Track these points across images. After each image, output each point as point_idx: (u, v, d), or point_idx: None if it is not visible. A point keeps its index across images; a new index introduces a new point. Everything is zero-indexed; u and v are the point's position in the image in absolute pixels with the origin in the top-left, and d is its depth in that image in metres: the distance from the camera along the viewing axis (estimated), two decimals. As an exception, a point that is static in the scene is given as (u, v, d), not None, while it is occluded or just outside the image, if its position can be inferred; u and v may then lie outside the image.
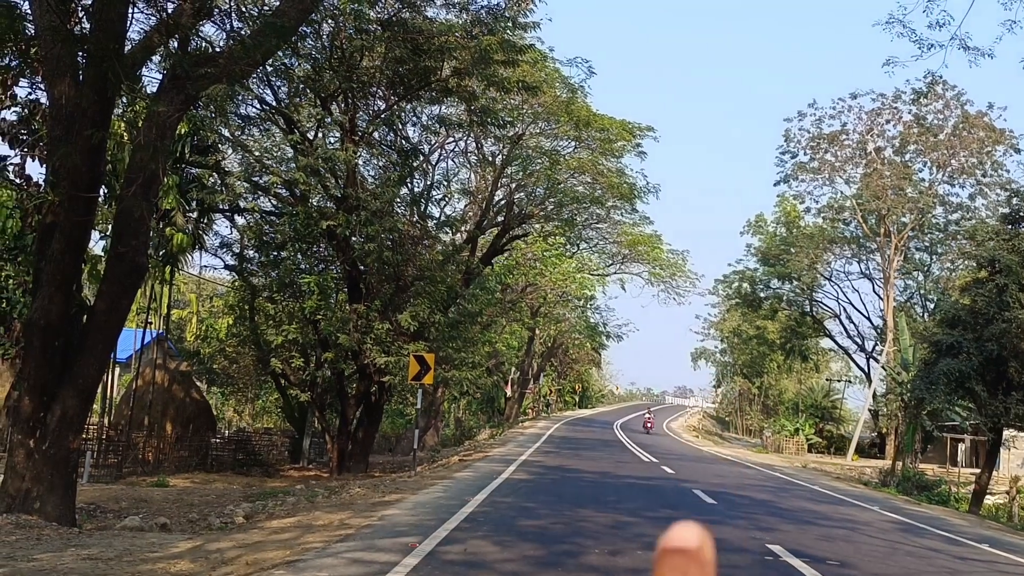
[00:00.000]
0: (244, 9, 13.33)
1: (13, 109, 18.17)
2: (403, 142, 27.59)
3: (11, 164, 18.72)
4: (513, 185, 35.40)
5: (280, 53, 20.36)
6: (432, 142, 31.23)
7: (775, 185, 56.62)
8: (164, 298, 31.13)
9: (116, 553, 9.08)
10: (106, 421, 27.99)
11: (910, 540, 14.37)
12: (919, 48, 15.23)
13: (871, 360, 58.49)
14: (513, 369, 57.94)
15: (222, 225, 39.14)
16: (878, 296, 56.41)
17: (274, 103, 24.88)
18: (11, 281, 22.46)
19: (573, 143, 34.03)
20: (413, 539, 9.92)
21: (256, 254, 27.33)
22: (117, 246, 12.48)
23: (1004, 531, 19.48)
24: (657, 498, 17.30)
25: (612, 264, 50.22)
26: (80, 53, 11.73)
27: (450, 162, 36.00)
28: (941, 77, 49.18)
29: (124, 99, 14.05)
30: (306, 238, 25.28)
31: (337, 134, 26.20)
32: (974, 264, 28.15)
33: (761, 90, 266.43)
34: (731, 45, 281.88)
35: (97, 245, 24.80)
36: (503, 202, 35.04)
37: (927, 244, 56.22)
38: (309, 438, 33.48)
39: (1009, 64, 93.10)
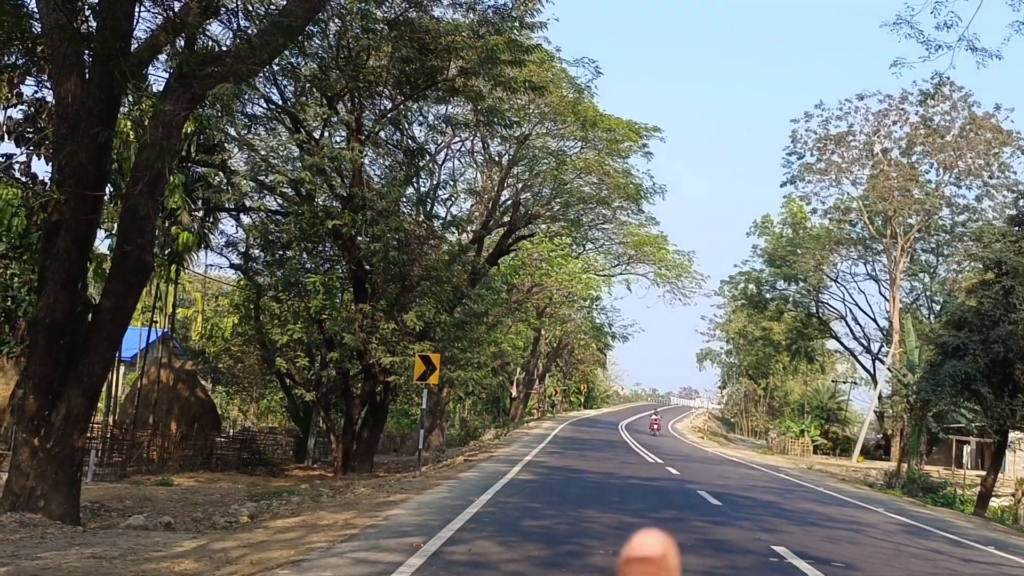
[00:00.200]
0: (251, 8, 13.33)
1: (19, 107, 18.23)
2: (409, 142, 27.60)
3: (17, 162, 18.77)
4: (519, 185, 35.39)
5: (287, 52, 20.35)
6: (438, 142, 31.22)
7: (781, 186, 56.54)
8: (169, 297, 31.15)
9: (120, 552, 9.07)
10: (111, 420, 28.04)
11: (915, 542, 14.32)
12: (927, 49, 15.19)
13: (877, 362, 58.40)
14: (519, 369, 57.93)
15: (228, 224, 39.13)
16: (884, 297, 56.34)
17: (280, 102, 24.90)
18: (16, 279, 22.48)
19: (579, 143, 34.01)
20: (418, 539, 9.91)
21: (262, 253, 27.33)
22: (123, 245, 12.48)
23: (1010, 533, 19.41)
24: (662, 499, 17.27)
25: (618, 265, 50.15)
26: (86, 52, 11.73)
27: (456, 162, 36.00)
28: (948, 78, 49.07)
29: (130, 98, 14.04)
30: (312, 237, 25.28)
31: (343, 133, 26.21)
32: (980, 266, 28.09)
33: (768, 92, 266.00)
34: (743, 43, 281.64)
35: (103, 244, 24.86)
36: (509, 202, 35.03)
37: (933, 246, 56.09)
38: (314, 438, 33.51)
39: (1017, 65, 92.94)
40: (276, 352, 26.23)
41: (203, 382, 32.96)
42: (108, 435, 26.05)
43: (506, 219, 34.56)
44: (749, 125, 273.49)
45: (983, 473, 29.01)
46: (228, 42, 13.49)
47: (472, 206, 38.47)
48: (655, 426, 54.48)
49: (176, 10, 11.84)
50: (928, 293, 57.58)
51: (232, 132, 25.80)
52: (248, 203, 27.59)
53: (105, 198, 15.00)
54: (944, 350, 25.19)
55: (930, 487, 29.11)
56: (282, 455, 34.15)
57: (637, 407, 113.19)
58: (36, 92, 17.78)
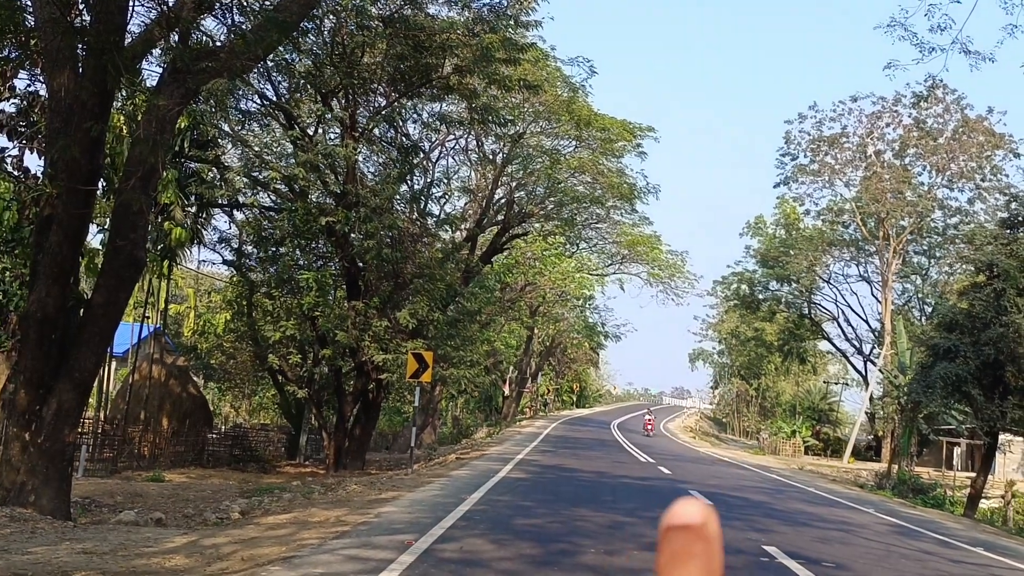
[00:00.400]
0: (245, 3, 13.29)
1: (12, 101, 18.15)
2: (403, 139, 27.54)
3: (9, 156, 18.70)
4: (513, 184, 35.40)
5: (281, 48, 20.31)
6: (433, 139, 31.20)
7: (775, 187, 56.70)
8: (162, 292, 31.08)
9: (111, 547, 9.05)
10: (102, 415, 27.96)
11: (905, 543, 14.36)
12: (920, 52, 15.23)
13: (868, 363, 58.55)
14: (511, 368, 57.94)
15: (221, 220, 38.97)
16: (876, 299, 56.44)
17: (274, 98, 24.85)
18: (8, 273, 22.38)
19: (574, 142, 34.04)
20: (409, 536, 9.90)
21: (255, 249, 27.25)
22: (115, 240, 12.44)
23: (999, 535, 19.48)
24: (653, 498, 17.28)
25: (611, 264, 50.26)
26: (80, 45, 11.69)
27: (450, 160, 35.95)
28: (942, 81, 49.10)
29: (124, 92, 14.01)
30: (305, 234, 25.24)
31: (337, 130, 26.17)
32: (972, 268, 28.18)
33: (762, 90, 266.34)
34: (733, 44, 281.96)
35: (95, 238, 24.79)
36: (503, 201, 35.03)
37: (926, 248, 56.23)
38: (306, 435, 33.46)
39: (1009, 68, 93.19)
40: (268, 349, 26.18)
41: (195, 378, 32.86)
42: (99, 430, 25.98)
43: (500, 217, 34.56)
44: (747, 125, 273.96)
45: (973, 475, 29.11)
46: (222, 37, 13.49)
47: (466, 204, 38.46)
48: (649, 426, 54.27)
49: (170, 4, 11.80)
50: (920, 295, 57.73)
51: (226, 128, 25.73)
52: (241, 199, 27.54)
53: (98, 193, 14.97)
54: (935, 352, 25.25)
55: (920, 488, 29.21)
56: (274, 452, 34.09)
57: (629, 406, 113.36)
58: (29, 86, 17.70)
